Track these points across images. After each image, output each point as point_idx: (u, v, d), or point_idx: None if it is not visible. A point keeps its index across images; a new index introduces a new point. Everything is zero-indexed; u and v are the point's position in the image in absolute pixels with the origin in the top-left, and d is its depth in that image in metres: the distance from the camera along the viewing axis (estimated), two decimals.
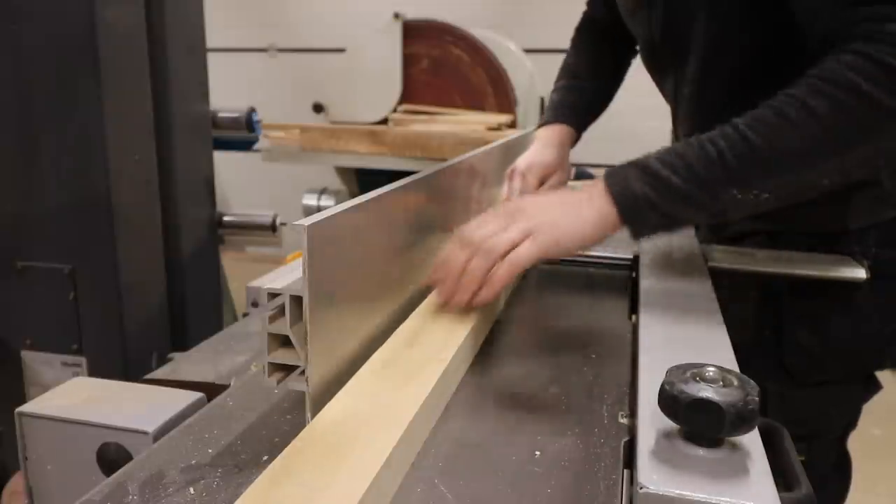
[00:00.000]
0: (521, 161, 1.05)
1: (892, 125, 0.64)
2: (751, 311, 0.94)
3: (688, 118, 0.98)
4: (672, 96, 1.02)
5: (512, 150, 1.15)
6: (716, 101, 0.91)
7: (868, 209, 0.89)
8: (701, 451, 0.43)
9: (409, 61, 3.09)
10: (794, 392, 0.92)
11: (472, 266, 0.67)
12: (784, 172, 0.66)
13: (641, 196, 0.68)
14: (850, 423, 1.00)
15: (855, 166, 0.67)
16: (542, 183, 1.02)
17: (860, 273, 0.86)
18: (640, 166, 0.70)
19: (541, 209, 0.71)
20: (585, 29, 1.23)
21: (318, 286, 0.51)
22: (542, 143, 1.09)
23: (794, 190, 0.68)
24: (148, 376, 0.76)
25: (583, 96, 1.16)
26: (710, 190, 0.67)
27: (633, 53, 1.19)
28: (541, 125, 1.16)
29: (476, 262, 0.67)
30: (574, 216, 0.70)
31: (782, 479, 0.55)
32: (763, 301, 0.94)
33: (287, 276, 0.55)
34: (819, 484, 0.87)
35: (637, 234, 0.72)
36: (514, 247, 0.68)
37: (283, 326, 0.52)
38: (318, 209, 2.80)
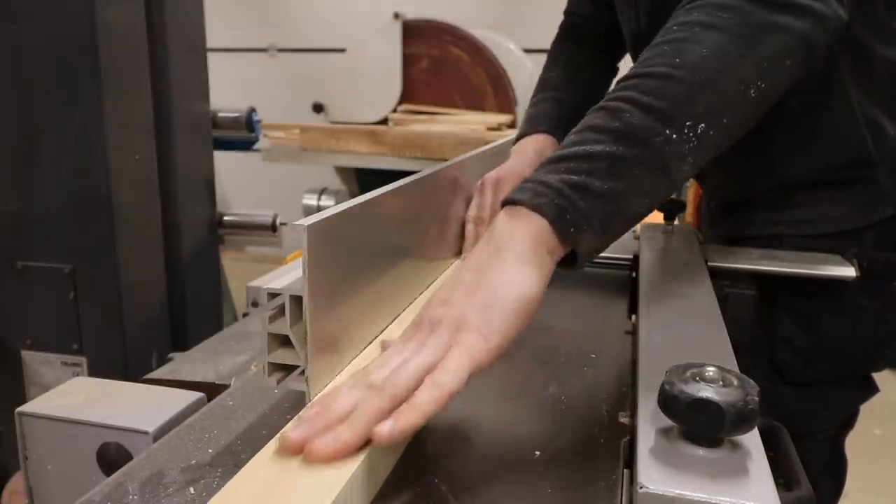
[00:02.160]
0: (492, 173, 0.95)
1: (784, 17, 0.60)
2: (747, 309, 0.94)
3: None
4: None
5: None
6: None
7: (866, 208, 0.89)
8: (701, 451, 0.43)
9: (409, 61, 3.09)
10: (785, 390, 0.92)
11: (362, 408, 0.45)
12: (703, 89, 0.57)
13: (561, 187, 0.53)
14: (845, 424, 1.00)
15: (772, 69, 0.61)
16: None
17: (850, 271, 0.87)
18: (543, 166, 0.57)
19: (458, 299, 0.51)
20: (563, 39, 1.14)
21: (318, 286, 0.51)
22: (517, 154, 1.00)
23: (726, 110, 0.59)
24: (148, 376, 0.76)
25: (561, 108, 1.05)
26: (638, 140, 0.55)
27: (618, 58, 1.13)
28: (516, 140, 1.06)
29: (369, 402, 0.45)
30: (500, 279, 0.51)
31: (782, 479, 0.55)
32: (758, 299, 0.94)
33: (287, 276, 0.55)
34: (810, 483, 0.86)
35: (580, 243, 0.54)
36: (429, 370, 0.47)
37: (283, 326, 0.52)
38: (318, 209, 2.80)
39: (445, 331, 0.49)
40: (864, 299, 0.88)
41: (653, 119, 0.55)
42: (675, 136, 0.56)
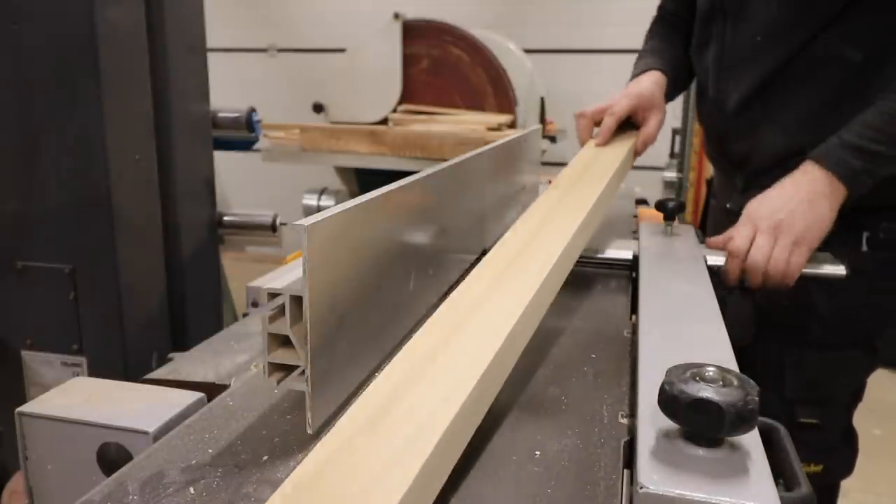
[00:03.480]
0: (609, 100, 1.14)
1: None
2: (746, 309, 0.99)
3: (751, 64, 1.10)
4: (719, 55, 1.14)
5: (513, 150, 1.14)
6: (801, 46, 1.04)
7: (886, 186, 0.96)
8: (701, 451, 0.43)
9: (409, 61, 3.09)
10: (808, 354, 1.03)
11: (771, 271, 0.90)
12: None
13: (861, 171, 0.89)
14: (857, 393, 1.10)
15: None
16: (639, 119, 1.10)
17: (840, 270, 0.93)
18: (851, 148, 0.90)
19: (794, 219, 0.89)
20: (658, 23, 1.36)
21: (318, 286, 0.51)
22: (632, 84, 1.18)
23: None
24: (148, 376, 0.76)
25: (664, 57, 1.25)
26: None
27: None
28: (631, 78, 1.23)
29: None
30: (818, 213, 0.89)
31: (782, 479, 0.55)
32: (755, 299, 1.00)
33: (287, 276, 0.55)
34: (829, 450, 1.04)
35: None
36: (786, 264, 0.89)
37: (283, 326, 0.52)
38: (318, 209, 2.79)
39: (792, 237, 0.91)
40: (878, 269, 1.00)
41: None
42: None
